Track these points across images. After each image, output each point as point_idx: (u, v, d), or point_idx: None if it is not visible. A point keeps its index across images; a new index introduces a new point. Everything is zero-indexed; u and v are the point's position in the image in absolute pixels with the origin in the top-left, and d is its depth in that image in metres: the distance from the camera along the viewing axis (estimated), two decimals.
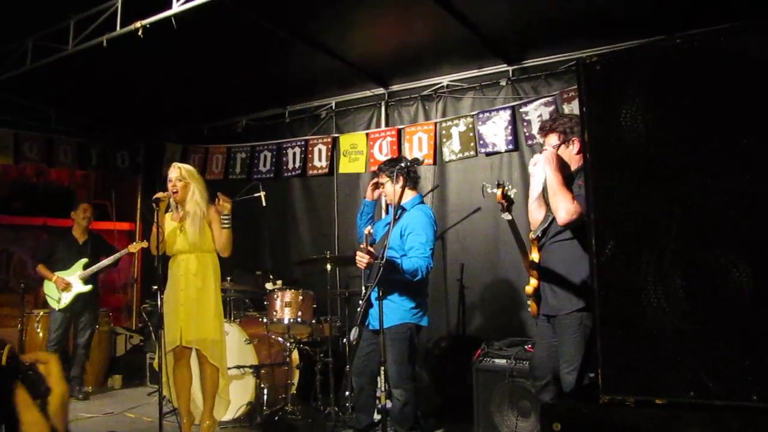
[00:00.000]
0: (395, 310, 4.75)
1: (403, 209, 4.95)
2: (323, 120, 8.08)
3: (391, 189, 4.98)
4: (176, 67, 7.19)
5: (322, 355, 6.37)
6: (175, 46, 6.35)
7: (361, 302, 4.87)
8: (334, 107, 8.01)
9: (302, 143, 7.99)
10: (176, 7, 5.45)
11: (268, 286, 6.88)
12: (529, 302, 4.19)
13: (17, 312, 7.87)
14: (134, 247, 7.27)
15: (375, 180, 5.31)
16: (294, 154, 8.04)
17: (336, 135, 7.82)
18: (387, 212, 7.22)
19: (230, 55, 6.84)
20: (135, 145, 9.58)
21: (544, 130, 4.23)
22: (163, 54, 6.64)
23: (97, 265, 7.37)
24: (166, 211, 5.42)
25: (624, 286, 1.99)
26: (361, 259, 4.55)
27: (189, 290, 5.23)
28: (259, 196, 6.51)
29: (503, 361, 5.29)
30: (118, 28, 5.94)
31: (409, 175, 4.96)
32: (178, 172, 5.35)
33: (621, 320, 2.00)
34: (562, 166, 3.95)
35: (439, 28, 6.19)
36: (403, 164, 4.84)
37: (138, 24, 5.74)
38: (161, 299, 4.94)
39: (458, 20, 5.87)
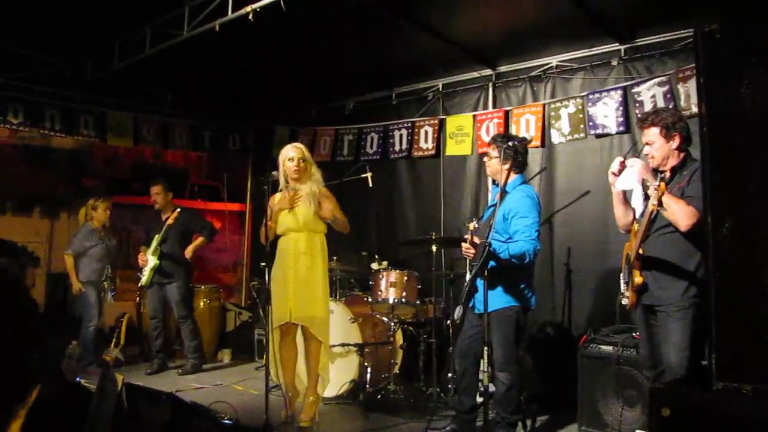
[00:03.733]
0: (500, 294, 4.70)
1: (505, 191, 4.88)
2: (430, 102, 8.04)
3: (497, 166, 4.92)
4: (285, 51, 7.28)
5: (425, 335, 6.38)
6: (283, 30, 6.44)
7: (466, 283, 4.85)
8: (440, 89, 7.96)
9: (409, 125, 7.98)
10: None
11: (374, 266, 6.92)
12: (627, 293, 4.10)
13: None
14: (171, 218, 7.49)
15: None
16: (401, 135, 8.04)
17: (443, 117, 7.77)
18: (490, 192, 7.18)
19: (337, 38, 6.89)
20: (245, 127, 9.83)
21: (645, 122, 4.13)
22: (272, 38, 6.74)
23: (159, 237, 7.57)
24: (276, 190, 5.52)
25: (742, 266, 1.89)
26: (468, 250, 4.54)
27: (299, 269, 5.32)
28: (366, 177, 6.54)
29: (610, 348, 5.16)
30: (229, 12, 6.07)
31: (517, 158, 4.88)
32: (300, 152, 5.43)
33: (739, 302, 1.90)
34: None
35: (548, 6, 6.04)
36: (511, 144, 4.77)
37: (249, 8, 5.84)
38: (269, 276, 5.03)
39: None
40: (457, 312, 4.18)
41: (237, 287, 10.68)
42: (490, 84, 7.53)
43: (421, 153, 7.87)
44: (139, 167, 11.90)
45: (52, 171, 10.50)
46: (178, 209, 7.69)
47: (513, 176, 4.91)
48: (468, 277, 4.85)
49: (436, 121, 7.77)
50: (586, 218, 6.60)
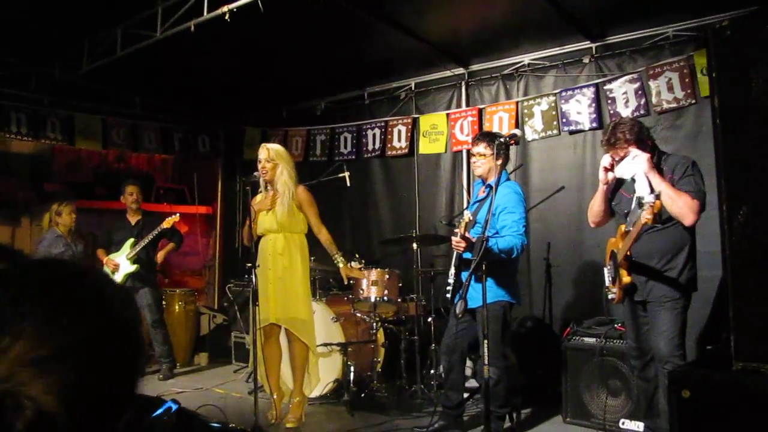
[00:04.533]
0: (489, 289, 4.73)
1: (491, 186, 4.94)
2: (403, 101, 8.09)
3: (488, 164, 4.97)
4: (255, 51, 7.28)
5: (407, 333, 6.42)
6: (254, 30, 6.38)
7: (450, 280, 4.90)
8: (413, 88, 8.00)
9: (382, 124, 8.02)
10: None
11: (353, 265, 6.94)
12: (614, 289, 4.22)
13: None
14: (168, 222, 7.30)
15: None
16: (374, 135, 8.08)
17: (416, 116, 7.83)
18: (469, 191, 7.25)
19: (309, 37, 6.88)
20: (215, 129, 9.76)
21: (616, 145, 4.23)
22: (242, 38, 6.70)
23: (140, 242, 7.40)
24: (257, 192, 5.52)
25: (759, 251, 1.96)
26: (458, 244, 4.57)
27: (277, 269, 5.34)
28: (344, 177, 6.55)
29: (593, 340, 5.27)
30: (205, 13, 6.04)
31: (507, 154, 4.97)
32: (266, 153, 5.44)
33: (755, 285, 1.97)
34: None
35: (520, 5, 6.15)
36: (503, 140, 4.83)
37: (225, 8, 5.83)
38: (256, 277, 5.03)
39: None
40: (459, 306, 4.22)
41: (207, 290, 10.60)
42: (463, 82, 7.60)
43: (394, 152, 7.92)
44: (102, 171, 11.74)
45: (12, 176, 10.30)
46: (146, 215, 7.67)
47: (499, 171, 4.98)
48: (452, 272, 4.91)
49: (409, 120, 7.82)
50: (561, 213, 6.72)
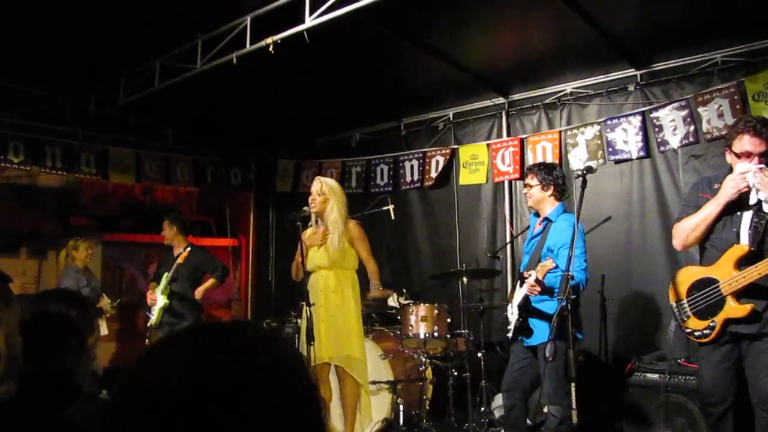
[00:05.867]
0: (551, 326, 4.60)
1: (549, 220, 4.81)
2: (441, 132, 7.99)
3: (539, 194, 4.85)
4: (290, 82, 7.21)
5: (455, 370, 6.25)
6: (292, 61, 6.33)
7: (510, 317, 4.76)
8: (451, 118, 7.90)
9: (420, 155, 7.92)
10: (309, 21, 5.43)
11: (391, 301, 6.82)
12: (702, 325, 3.91)
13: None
14: (181, 258, 7.20)
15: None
16: (411, 166, 7.98)
17: (455, 146, 7.71)
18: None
19: (346, 67, 6.83)
20: (247, 161, 9.68)
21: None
22: (279, 70, 6.64)
23: (168, 276, 7.25)
24: (307, 226, 5.41)
25: None
26: (533, 288, 4.41)
27: (329, 307, 5.19)
28: (388, 210, 6.43)
29: (656, 376, 5.10)
30: (248, 44, 5.97)
31: (558, 184, 4.83)
32: (318, 186, 5.34)
33: None
34: None
35: (562, 31, 6.05)
36: (556, 172, 4.71)
37: (269, 40, 5.74)
38: (311, 314, 4.88)
39: (583, 19, 5.65)
40: (549, 349, 4.06)
41: None
42: (504, 112, 7.51)
43: (432, 183, 7.78)
44: (128, 204, 11.71)
45: (39, 210, 10.26)
46: (189, 247, 7.48)
47: (554, 203, 4.85)
48: (513, 310, 4.76)
49: (448, 151, 7.71)
50: (608, 244, 6.55)
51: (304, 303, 5.05)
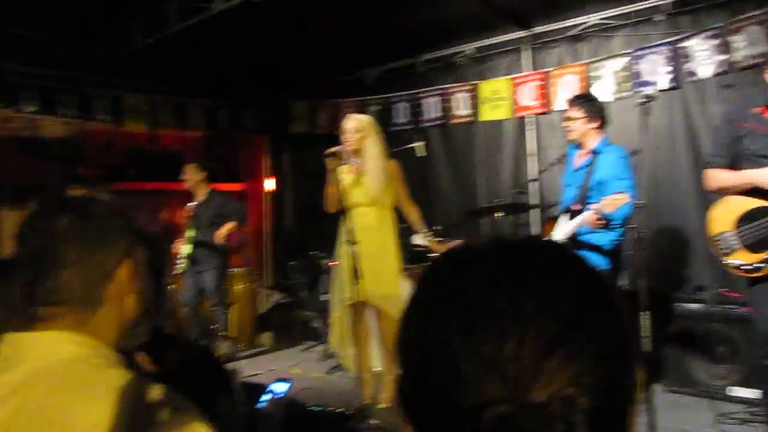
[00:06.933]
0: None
1: (595, 152, 4.74)
2: (461, 67, 7.82)
3: (583, 127, 4.76)
4: (302, 22, 7.03)
5: None
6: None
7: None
8: (471, 53, 7.73)
9: (440, 92, 7.76)
10: None
11: (419, 239, 6.75)
12: (757, 261, 3.82)
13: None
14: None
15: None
16: (432, 104, 7.82)
17: (476, 82, 7.56)
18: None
19: (359, 4, 6.63)
20: (260, 104, 9.52)
21: None
22: (292, 9, 6.49)
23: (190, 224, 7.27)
24: (342, 163, 5.30)
25: None
26: (598, 222, 4.36)
27: (370, 244, 5.11)
28: (417, 146, 6.25)
29: (697, 306, 5.10)
30: None
31: (603, 116, 4.75)
32: (355, 123, 5.22)
33: None
34: None
35: None
36: (599, 104, 4.63)
37: None
38: (354, 252, 4.81)
39: None
40: None
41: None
42: (526, 46, 7.34)
43: (457, 120, 7.64)
44: (134, 153, 11.58)
45: (45, 161, 10.13)
46: (208, 190, 7.40)
47: (599, 135, 4.78)
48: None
49: (470, 87, 7.55)
50: (638, 177, 6.48)
51: (345, 241, 4.99)
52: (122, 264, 1.42)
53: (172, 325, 7.63)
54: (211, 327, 7.31)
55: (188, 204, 7.34)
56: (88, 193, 7.47)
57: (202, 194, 7.41)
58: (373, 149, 5.18)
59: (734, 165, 3.97)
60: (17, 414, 1.18)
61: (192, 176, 7.43)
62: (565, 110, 5.11)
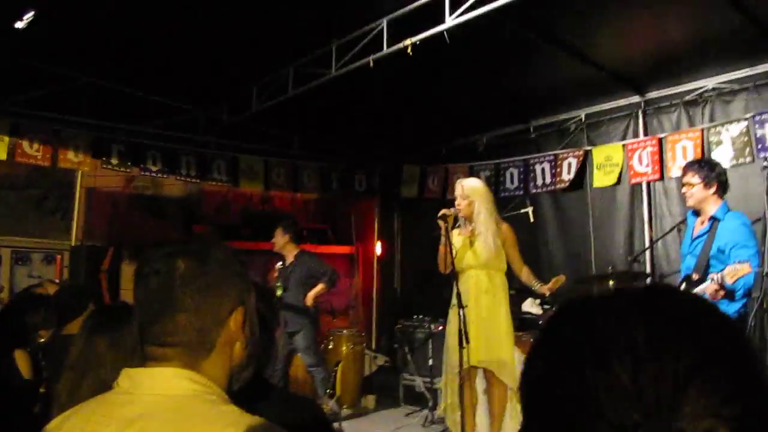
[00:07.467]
0: None
1: (716, 219, 4.58)
2: (572, 133, 7.76)
3: (701, 193, 4.62)
4: (416, 87, 7.18)
5: None
6: (420, 67, 6.29)
7: None
8: (583, 119, 7.66)
9: (551, 157, 7.71)
10: (450, 21, 5.34)
11: (526, 306, 6.66)
12: None
13: None
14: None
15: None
16: (543, 169, 7.77)
17: (588, 148, 7.47)
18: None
19: (474, 70, 6.74)
20: (372, 167, 9.71)
21: None
22: (406, 75, 6.63)
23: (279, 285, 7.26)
24: (455, 226, 5.33)
25: None
26: (717, 293, 4.18)
27: (480, 309, 5.09)
28: (527, 212, 6.27)
29: None
30: (384, 47, 5.94)
31: (722, 181, 4.60)
32: (460, 189, 5.28)
33: None
34: None
35: (703, 18, 5.67)
36: (719, 169, 4.49)
37: (408, 41, 5.69)
38: (463, 315, 4.77)
39: (729, 4, 5.26)
40: None
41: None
42: (639, 111, 7.21)
43: (566, 185, 7.57)
44: (248, 213, 11.94)
45: (164, 219, 10.58)
46: (297, 252, 7.48)
47: (719, 201, 4.62)
48: None
49: (581, 152, 7.47)
50: (761, 245, 6.19)
51: (455, 304, 4.97)
52: (235, 311, 1.44)
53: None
54: (318, 388, 7.32)
55: (277, 265, 7.39)
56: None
57: (290, 255, 7.47)
58: (484, 213, 5.18)
59: None
60: None
61: (278, 238, 7.49)
62: (680, 176, 4.97)
